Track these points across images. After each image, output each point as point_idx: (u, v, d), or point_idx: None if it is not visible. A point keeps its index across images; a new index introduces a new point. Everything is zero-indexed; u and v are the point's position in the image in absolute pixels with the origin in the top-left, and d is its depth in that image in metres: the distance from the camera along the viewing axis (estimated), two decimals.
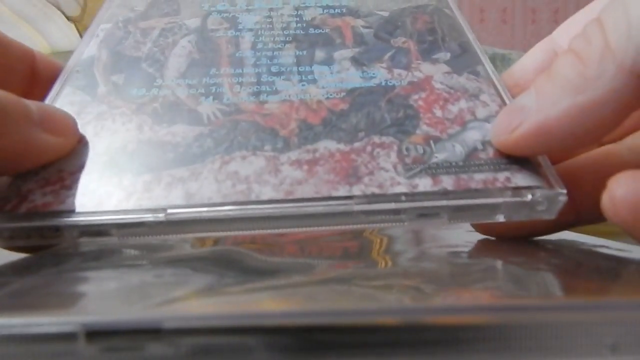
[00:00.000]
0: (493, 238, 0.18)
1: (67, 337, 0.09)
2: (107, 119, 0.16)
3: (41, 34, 0.59)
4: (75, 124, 0.15)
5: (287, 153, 0.15)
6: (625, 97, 0.12)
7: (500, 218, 0.14)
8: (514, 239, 0.17)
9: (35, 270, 0.14)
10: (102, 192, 0.14)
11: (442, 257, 0.15)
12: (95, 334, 0.09)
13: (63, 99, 0.17)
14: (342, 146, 0.15)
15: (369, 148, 0.15)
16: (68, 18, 0.61)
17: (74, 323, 0.09)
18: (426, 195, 0.14)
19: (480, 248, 0.17)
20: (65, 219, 0.13)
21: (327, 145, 0.15)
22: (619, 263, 0.15)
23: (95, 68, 0.18)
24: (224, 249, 0.18)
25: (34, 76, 0.18)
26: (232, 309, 0.10)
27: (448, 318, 0.09)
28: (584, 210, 0.15)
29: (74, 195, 0.14)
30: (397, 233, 0.21)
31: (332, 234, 0.20)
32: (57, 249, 0.17)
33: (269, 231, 0.14)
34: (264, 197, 0.14)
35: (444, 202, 0.13)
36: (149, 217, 0.13)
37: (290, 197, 0.13)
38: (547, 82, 0.13)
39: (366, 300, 0.10)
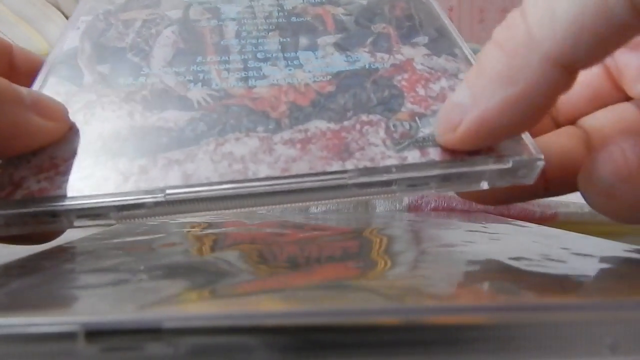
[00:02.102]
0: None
1: (67, 337, 0.09)
2: (96, 107, 0.16)
3: (41, 34, 0.59)
4: (65, 110, 0.16)
5: (280, 133, 0.15)
6: (554, 85, 0.13)
7: (485, 185, 0.15)
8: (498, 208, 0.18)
9: (35, 270, 0.14)
10: (98, 177, 0.14)
11: (441, 257, 0.15)
12: (95, 334, 0.09)
13: (49, 89, 0.17)
14: (332, 125, 0.15)
15: (358, 126, 0.15)
16: (68, 18, 0.61)
17: (73, 323, 0.09)
18: (415, 166, 0.14)
19: (480, 248, 0.17)
20: (63, 203, 0.13)
21: (317, 125, 0.15)
22: (619, 263, 0.15)
23: (79, 59, 0.18)
24: (223, 253, 0.18)
25: (12, 70, 0.18)
26: (232, 309, 0.10)
27: (448, 318, 0.09)
28: (553, 184, 0.17)
29: (69, 180, 0.14)
30: (397, 233, 0.21)
31: (332, 234, 0.20)
32: (56, 249, 0.17)
33: (267, 207, 0.14)
34: (261, 175, 0.14)
35: (432, 172, 0.14)
36: (148, 198, 0.14)
37: (286, 174, 0.14)
38: (477, 77, 0.14)
39: (366, 300, 0.10)
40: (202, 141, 0.15)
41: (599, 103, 0.19)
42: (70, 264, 0.16)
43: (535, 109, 0.13)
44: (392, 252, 0.16)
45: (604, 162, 0.13)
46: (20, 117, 0.14)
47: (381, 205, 0.35)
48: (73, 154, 0.15)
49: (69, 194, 0.14)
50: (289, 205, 0.14)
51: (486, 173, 0.14)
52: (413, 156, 0.14)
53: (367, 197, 0.14)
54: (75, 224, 0.14)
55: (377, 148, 0.15)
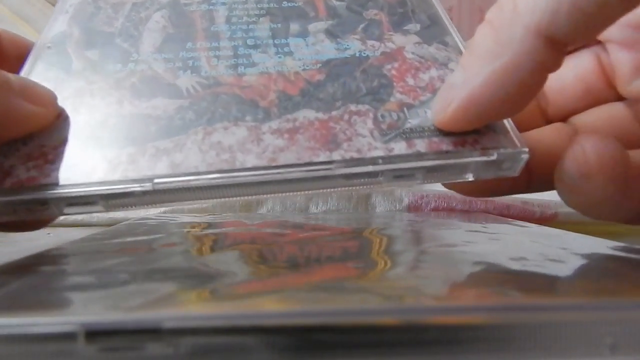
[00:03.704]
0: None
1: (66, 337, 0.09)
2: (85, 94, 0.16)
3: (40, 34, 0.58)
4: (54, 96, 0.16)
5: (268, 123, 0.15)
6: (538, 58, 0.13)
7: (470, 177, 0.15)
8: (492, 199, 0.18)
9: (35, 271, 0.14)
10: (86, 165, 0.14)
11: (441, 257, 0.15)
12: (94, 334, 0.09)
13: (37, 75, 0.17)
14: (320, 115, 0.15)
15: (346, 116, 0.15)
16: None
17: (73, 323, 0.09)
18: (401, 157, 0.14)
19: (480, 248, 0.17)
20: (52, 192, 0.14)
21: (306, 115, 0.15)
22: (619, 263, 0.15)
23: (67, 44, 0.18)
24: (223, 253, 0.18)
25: (0, 54, 0.18)
26: (232, 309, 0.10)
27: (448, 318, 0.09)
28: (536, 179, 0.17)
29: (58, 168, 0.14)
30: (397, 233, 0.21)
31: (332, 234, 0.20)
32: (56, 249, 0.17)
33: (254, 197, 0.14)
34: (248, 165, 0.14)
35: (418, 164, 0.14)
36: (136, 187, 0.14)
37: (274, 164, 0.14)
38: (468, 56, 0.14)
39: (366, 301, 0.10)
40: (190, 130, 0.15)
41: (590, 100, 0.19)
42: (70, 264, 0.16)
43: (522, 84, 0.13)
44: (392, 252, 0.16)
45: (568, 159, 0.14)
46: (9, 103, 0.14)
47: (381, 205, 0.35)
48: (62, 142, 0.15)
49: (58, 182, 0.14)
50: (276, 195, 0.14)
51: (471, 165, 0.14)
52: (399, 147, 0.14)
53: (354, 187, 0.15)
54: (65, 211, 0.14)
55: (364, 139, 0.15)
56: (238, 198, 0.14)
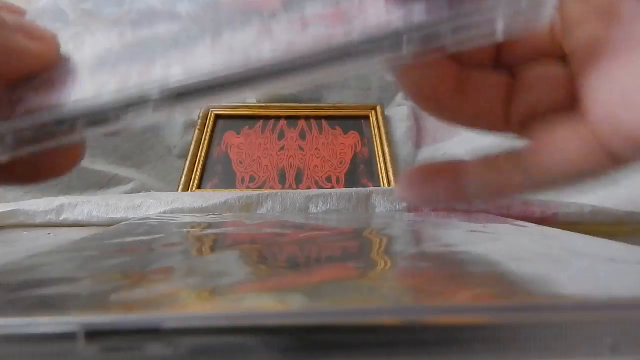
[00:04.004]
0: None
1: (67, 337, 0.09)
2: (85, 35, 0.16)
3: None
4: (54, 33, 0.16)
5: (277, 20, 0.15)
6: None
7: (499, 30, 0.14)
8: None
9: (35, 270, 0.14)
10: (98, 82, 0.14)
11: (441, 257, 0.15)
12: (95, 334, 0.09)
13: None
14: (329, 4, 0.15)
15: (356, 1, 0.15)
16: None
17: (73, 323, 0.09)
18: (424, 21, 0.14)
19: (480, 248, 0.17)
20: (66, 110, 0.13)
21: (314, 8, 0.15)
22: (619, 263, 0.15)
23: (61, 4, 0.18)
24: (223, 253, 0.18)
25: None
26: (232, 309, 0.10)
27: (448, 318, 0.09)
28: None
29: (69, 92, 0.14)
30: (397, 233, 0.21)
31: (332, 235, 0.20)
32: (56, 249, 0.17)
33: (275, 85, 0.14)
34: (264, 56, 0.14)
35: (442, 24, 0.14)
36: (152, 91, 0.14)
37: (290, 51, 0.14)
38: None
39: (366, 300, 0.10)
40: (198, 41, 0.15)
41: (535, 53, 0.18)
42: (70, 264, 0.16)
43: None
44: (392, 252, 0.16)
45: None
46: (8, 39, 0.14)
47: (381, 205, 0.35)
48: (69, 72, 0.15)
49: (71, 101, 0.14)
50: (295, 84, 0.14)
51: (498, 16, 0.14)
52: (419, 12, 0.14)
53: (376, 61, 0.14)
54: (84, 132, 0.14)
55: (380, 12, 0.14)
56: (258, 90, 0.14)
